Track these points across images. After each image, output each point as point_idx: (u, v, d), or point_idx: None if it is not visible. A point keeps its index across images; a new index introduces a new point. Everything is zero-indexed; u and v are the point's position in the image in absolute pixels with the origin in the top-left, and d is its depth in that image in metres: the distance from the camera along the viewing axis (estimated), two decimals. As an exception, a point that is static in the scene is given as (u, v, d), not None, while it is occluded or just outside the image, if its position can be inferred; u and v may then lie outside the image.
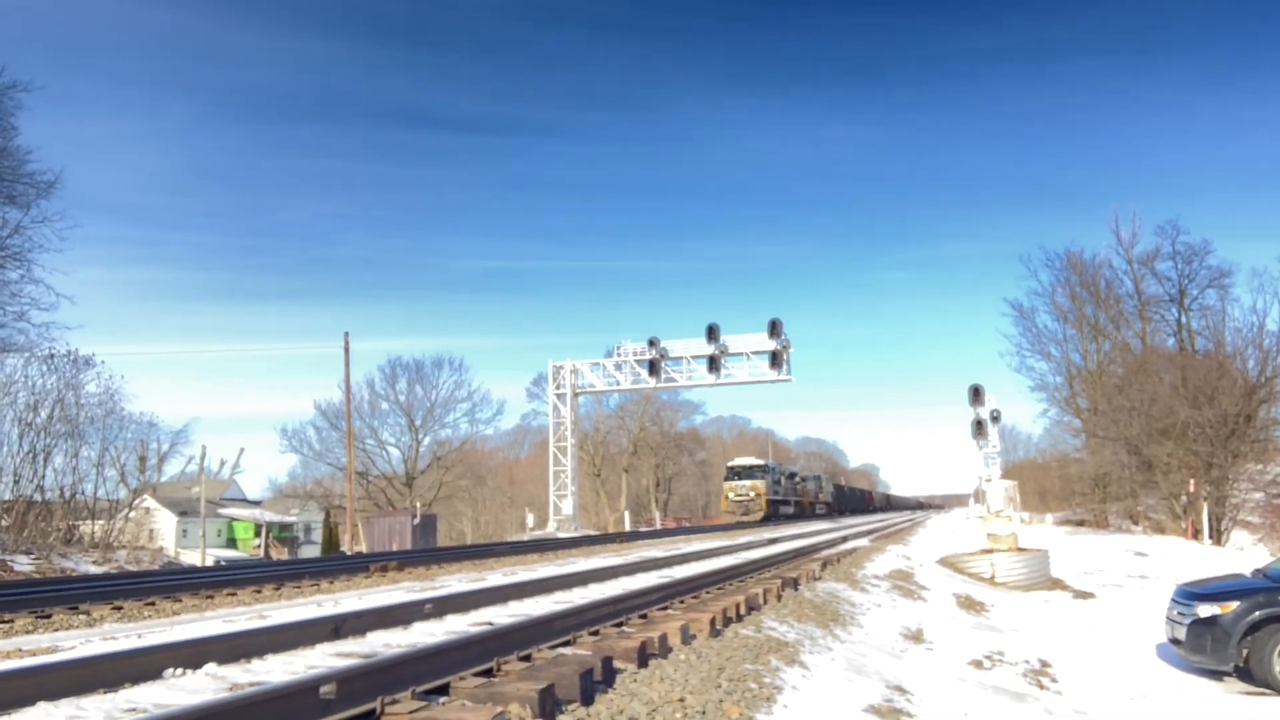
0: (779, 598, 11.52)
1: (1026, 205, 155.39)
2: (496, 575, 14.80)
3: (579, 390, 46.29)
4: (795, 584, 12.85)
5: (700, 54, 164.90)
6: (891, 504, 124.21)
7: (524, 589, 10.85)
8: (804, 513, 64.26)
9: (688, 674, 6.66)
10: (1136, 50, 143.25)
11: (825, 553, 20.80)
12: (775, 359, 42.54)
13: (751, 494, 55.04)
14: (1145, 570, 26.51)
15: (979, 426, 34.62)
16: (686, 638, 7.75)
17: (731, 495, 55.80)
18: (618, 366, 45.11)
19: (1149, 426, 43.10)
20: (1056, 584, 22.87)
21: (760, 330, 43.03)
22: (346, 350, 40.29)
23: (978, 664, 11.39)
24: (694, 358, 43.78)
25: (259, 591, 12.64)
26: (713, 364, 43.16)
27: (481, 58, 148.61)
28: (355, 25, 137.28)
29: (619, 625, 7.82)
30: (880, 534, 34.66)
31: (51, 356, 29.06)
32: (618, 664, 6.31)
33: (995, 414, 35.93)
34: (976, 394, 34.24)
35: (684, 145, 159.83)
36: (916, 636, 12.30)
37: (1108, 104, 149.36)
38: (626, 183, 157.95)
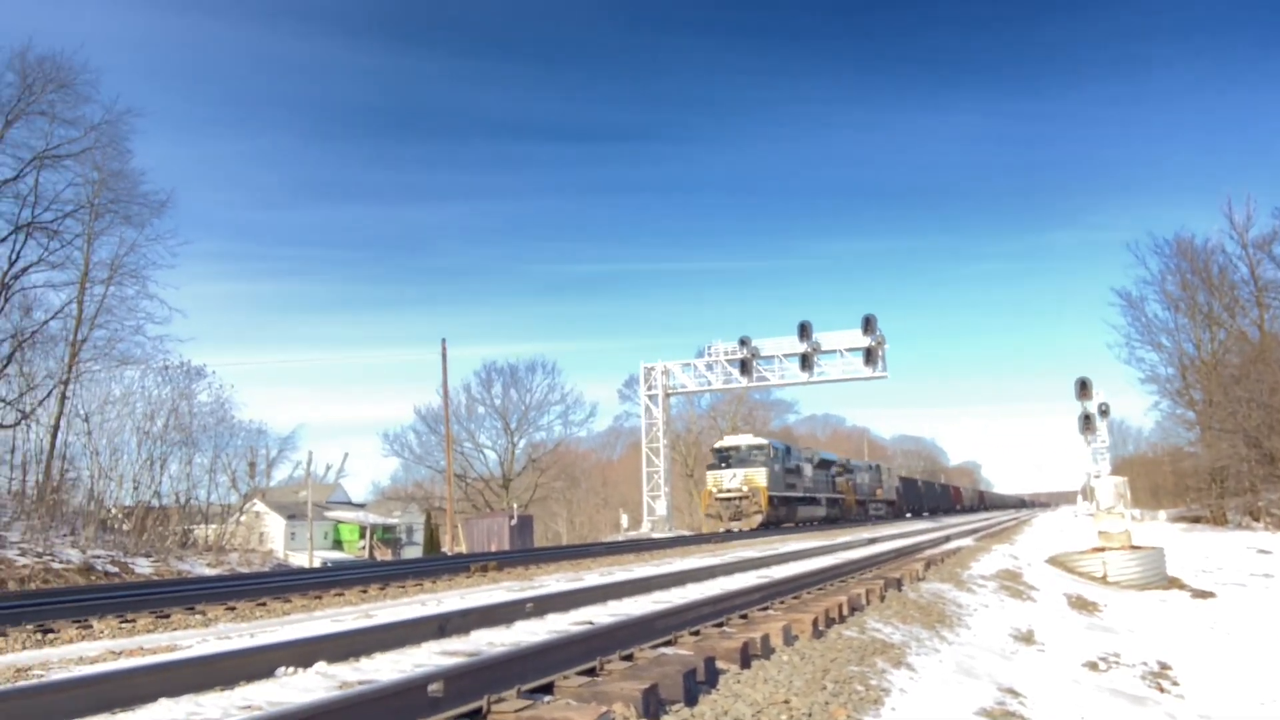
0: (882, 598, 11.27)
1: (1132, 191, 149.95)
2: (593, 575, 14.85)
3: (670, 391, 46.32)
4: (898, 584, 12.55)
5: (787, 50, 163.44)
6: (985, 502, 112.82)
7: (622, 589, 10.85)
8: (845, 514, 49.68)
9: (791, 675, 6.54)
10: (1241, 26, 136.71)
11: (928, 552, 20.32)
12: (869, 355, 41.88)
13: (744, 489, 38.14)
14: (1270, 569, 25.18)
15: (1087, 421, 33.44)
16: (789, 638, 7.62)
17: (714, 491, 38.89)
18: (709, 366, 45.01)
19: (1270, 418, 41.02)
20: (1173, 583, 21.89)
21: (854, 326, 42.45)
22: (444, 357, 41.11)
23: (1092, 666, 10.95)
24: (786, 356, 43.41)
25: (365, 591, 12.91)
26: (805, 362, 42.72)
27: (567, 66, 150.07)
28: (449, 40, 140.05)
29: (719, 625, 7.73)
30: (984, 533, 33.81)
31: (166, 368, 30.41)
32: (720, 664, 6.23)
33: (1104, 408, 34.66)
34: (1084, 387, 33.09)
35: (773, 143, 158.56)
36: (1027, 638, 11.90)
37: (1215, 85, 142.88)
38: (715, 182, 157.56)
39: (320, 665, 5.73)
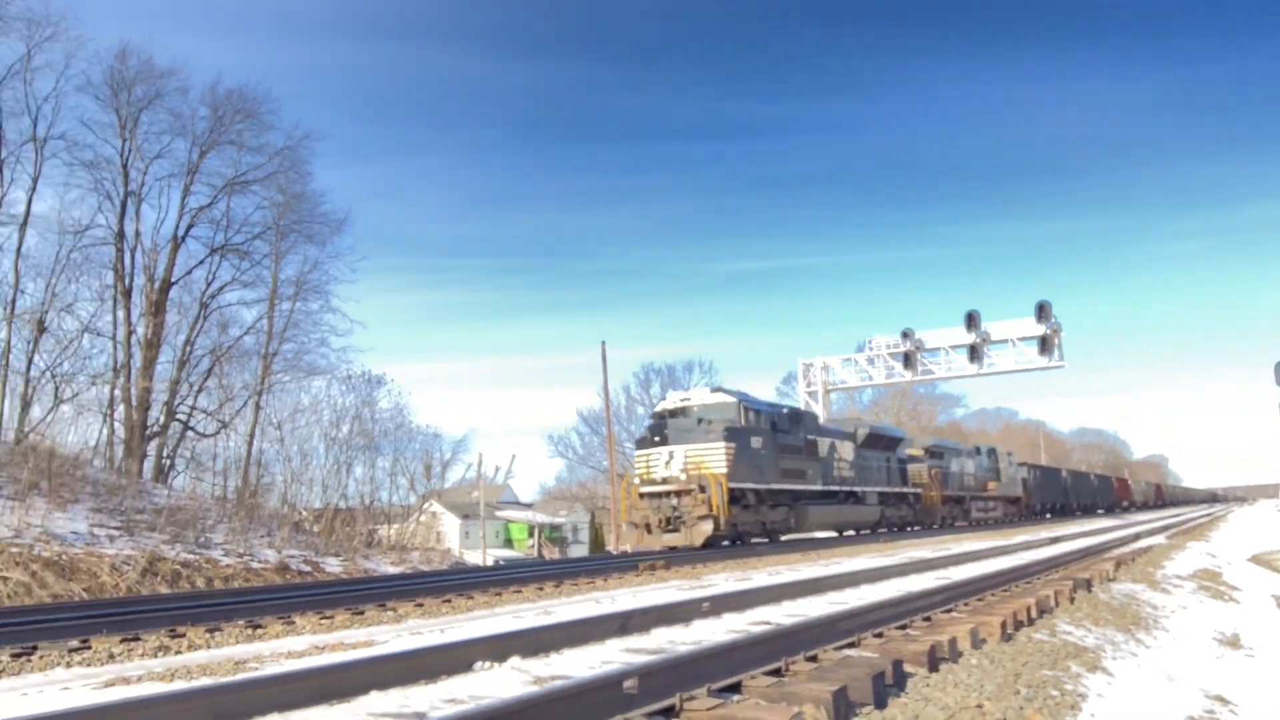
0: (1071, 600, 10.76)
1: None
2: (762, 575, 14.77)
3: (830, 387, 45.57)
4: (1088, 585, 11.96)
5: (941, 28, 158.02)
6: (1165, 497, 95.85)
7: (795, 589, 10.76)
8: (923, 516, 34.92)
9: (981, 679, 6.34)
10: None
11: (1116, 552, 19.27)
12: (1044, 344, 40.00)
13: (681, 477, 22.12)
14: None
15: (1289, 409, 30.73)
16: (976, 641, 7.39)
17: (641, 489, 22.92)
18: (870, 361, 44.03)
19: None
20: (1401, 585, 19.92)
21: (1026, 314, 40.63)
22: (604, 359, 41.87)
23: (1312, 675, 10.12)
24: (952, 347, 41.96)
25: (541, 589, 13.26)
26: (973, 353, 41.16)
27: (717, 63, 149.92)
28: (599, 49, 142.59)
29: (902, 628, 7.57)
30: (1177, 530, 31.76)
31: (349, 377, 32.30)
32: (908, 667, 6.10)
33: (1310, 394, 31.72)
34: (1285, 373, 30.35)
35: (934, 126, 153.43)
36: (1232, 642, 11.12)
37: None
38: (873, 171, 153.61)
39: (514, 660, 5.94)
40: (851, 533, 30.94)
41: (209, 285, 33.39)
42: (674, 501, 22.25)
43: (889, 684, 5.64)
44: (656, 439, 23.37)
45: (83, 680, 6.45)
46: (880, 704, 5.28)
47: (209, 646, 8.34)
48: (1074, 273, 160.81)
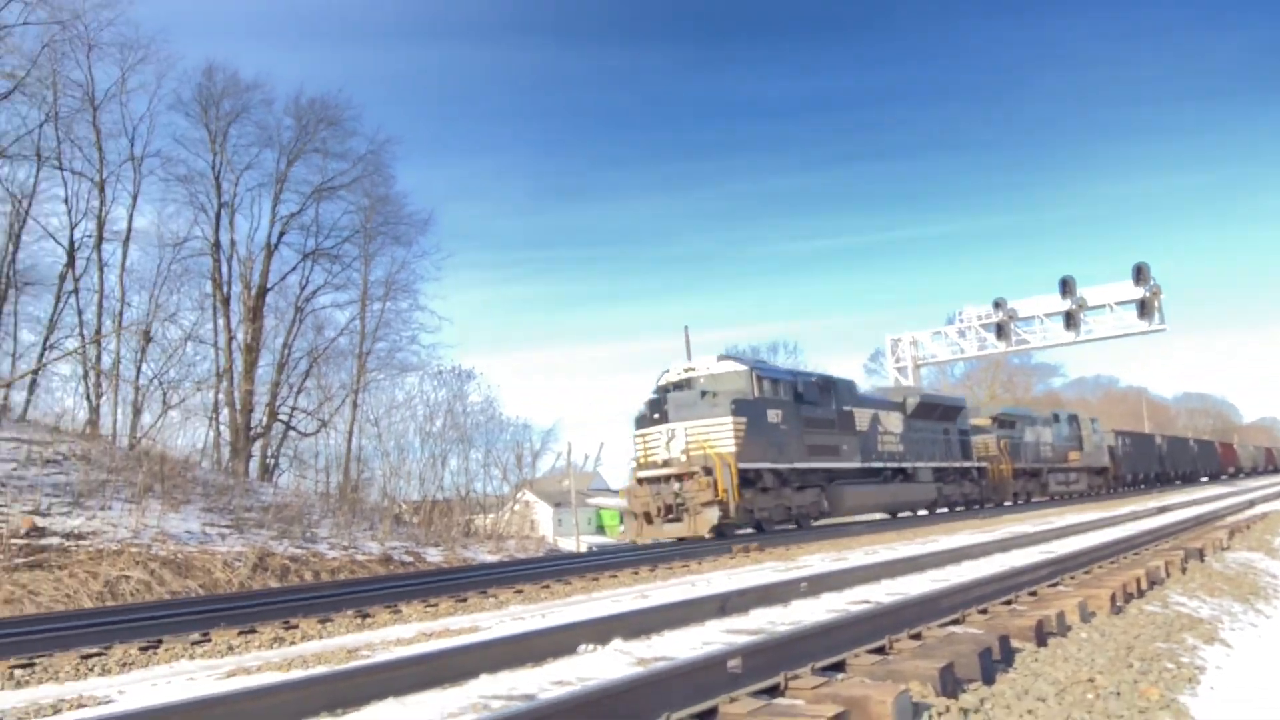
0: (1183, 570, 10.41)
1: None
2: (858, 554, 14.65)
3: (920, 362, 44.77)
4: (1200, 555, 11.55)
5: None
6: (1278, 462, 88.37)
7: (893, 567, 10.65)
8: (990, 493, 31.58)
9: (1092, 653, 6.19)
10: None
11: (1229, 520, 18.54)
12: (1143, 308, 38.64)
13: (682, 458, 20.05)
14: None
15: None
16: (1085, 615, 7.21)
17: (639, 474, 20.98)
18: (961, 333, 43.13)
19: None
20: None
21: (1123, 278, 39.28)
22: (687, 344, 41.81)
23: None
24: (1047, 315, 40.80)
25: (636, 573, 13.38)
26: (1069, 320, 39.95)
27: (789, 41, 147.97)
28: (668, 33, 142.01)
29: (1008, 603, 7.42)
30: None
31: (440, 372, 33.07)
32: (1015, 643, 6.00)
33: None
34: None
35: (1022, 87, 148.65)
36: (1362, 611, 10.62)
37: None
38: (958, 138, 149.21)
39: (616, 642, 6.02)
40: (924, 512, 28.37)
41: (303, 289, 34.46)
42: (675, 487, 19.82)
43: (996, 659, 5.56)
44: (656, 416, 20.99)
45: (206, 671, 6.75)
46: (988, 679, 5.21)
47: (321, 637, 8.65)
48: (1174, 232, 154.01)
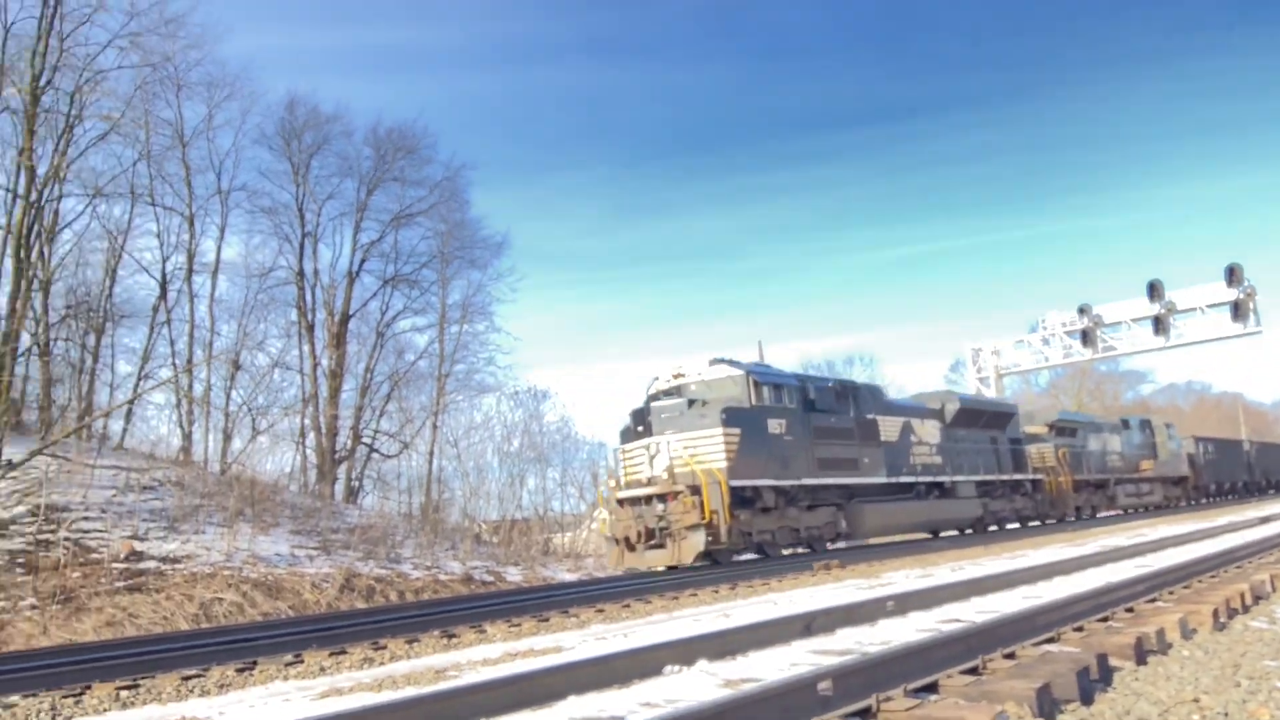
0: (1291, 584, 9.97)
1: None
2: (943, 570, 14.36)
3: (1003, 371, 43.79)
4: (1308, 568, 11.06)
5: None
6: None
7: (982, 584, 10.40)
8: (1047, 508, 28.95)
9: (1196, 672, 5.96)
10: None
11: (1337, 530, 17.72)
12: (1237, 310, 37.22)
13: (664, 476, 17.70)
14: None
15: None
16: (1186, 632, 6.96)
17: (619, 494, 18.70)
18: (1045, 341, 42.07)
19: None
20: None
21: (1215, 279, 37.93)
22: (760, 358, 41.62)
23: None
24: (1134, 320, 39.58)
25: (716, 591, 13.31)
26: (1158, 325, 38.70)
27: (856, 53, 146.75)
28: (734, 50, 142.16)
29: (1104, 620, 7.20)
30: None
31: (517, 393, 33.49)
32: (1113, 662, 5.82)
33: None
34: None
35: (1103, 85, 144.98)
36: None
37: None
38: (1038, 141, 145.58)
39: (702, 663, 6.00)
40: (960, 532, 25.65)
41: (383, 315, 35.27)
42: (659, 508, 17.61)
43: (1094, 679, 5.40)
44: (639, 429, 18.72)
45: (300, 692, 6.90)
46: (1087, 700, 5.06)
47: (409, 657, 8.78)
48: (1269, 230, 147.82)
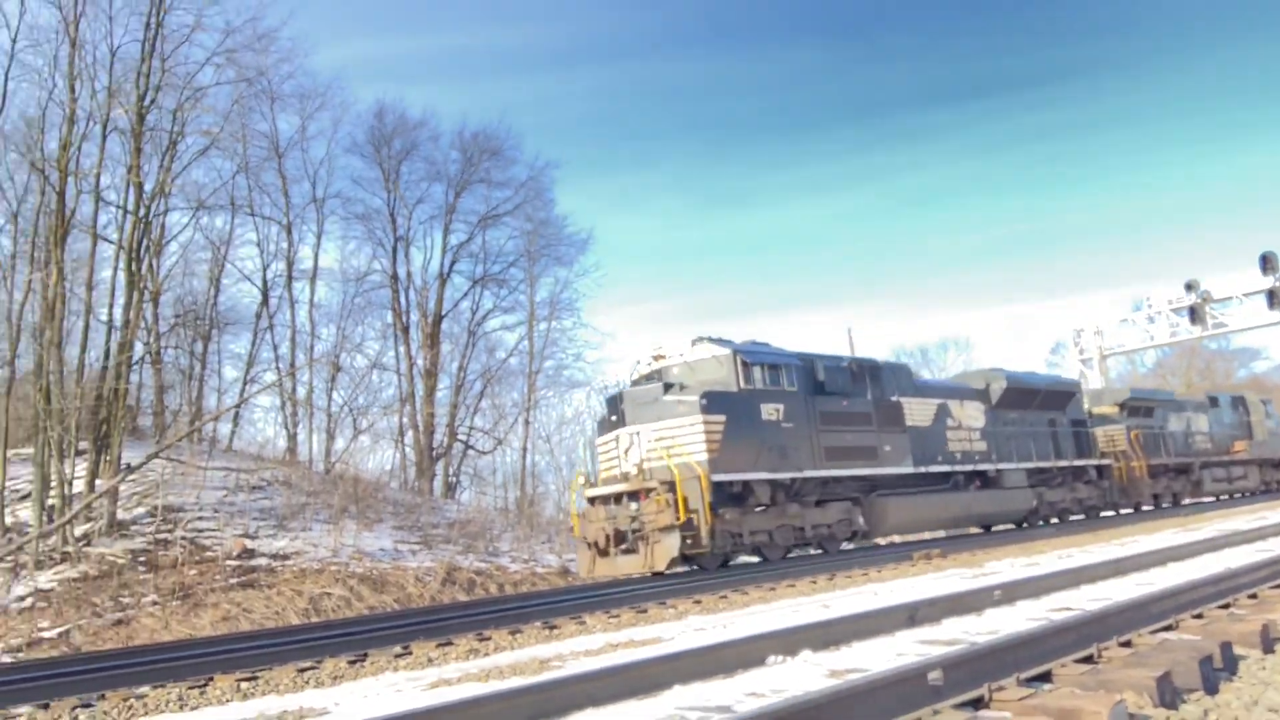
0: None
1: None
2: (1049, 558, 13.98)
3: (1106, 352, 42.34)
4: None
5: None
6: None
7: (1092, 571, 10.10)
8: (1113, 496, 25.93)
9: (1330, 660, 5.69)
10: None
11: None
12: (1359, 281, 35.32)
13: (634, 487, 15.80)
14: None
15: None
16: (1317, 619, 6.64)
17: (588, 492, 17.09)
18: (1150, 319, 40.54)
19: None
20: None
21: (1332, 249, 36.04)
22: (851, 347, 41.10)
23: None
24: (1246, 295, 37.81)
25: (814, 582, 13.21)
26: (1272, 298, 36.88)
27: (943, 25, 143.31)
28: (822, 31, 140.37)
29: (1225, 607, 6.92)
30: None
31: (605, 387, 33.74)
32: (1237, 649, 5.59)
33: None
34: None
35: (1193, 56, 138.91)
36: None
37: None
38: (1134, 111, 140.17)
39: (805, 653, 5.97)
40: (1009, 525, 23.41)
41: (474, 314, 35.99)
42: (632, 508, 15.70)
43: (1218, 668, 5.20)
44: (614, 418, 16.95)
45: (410, 682, 7.09)
46: (1210, 689, 4.87)
47: (513, 648, 8.93)
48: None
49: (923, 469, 19.59)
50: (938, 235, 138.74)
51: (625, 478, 16.18)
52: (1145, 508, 27.37)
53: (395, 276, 33.85)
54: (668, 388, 16.55)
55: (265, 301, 30.94)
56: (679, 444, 15.68)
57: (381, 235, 34.23)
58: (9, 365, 23.39)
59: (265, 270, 31.30)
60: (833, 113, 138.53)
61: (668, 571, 15.46)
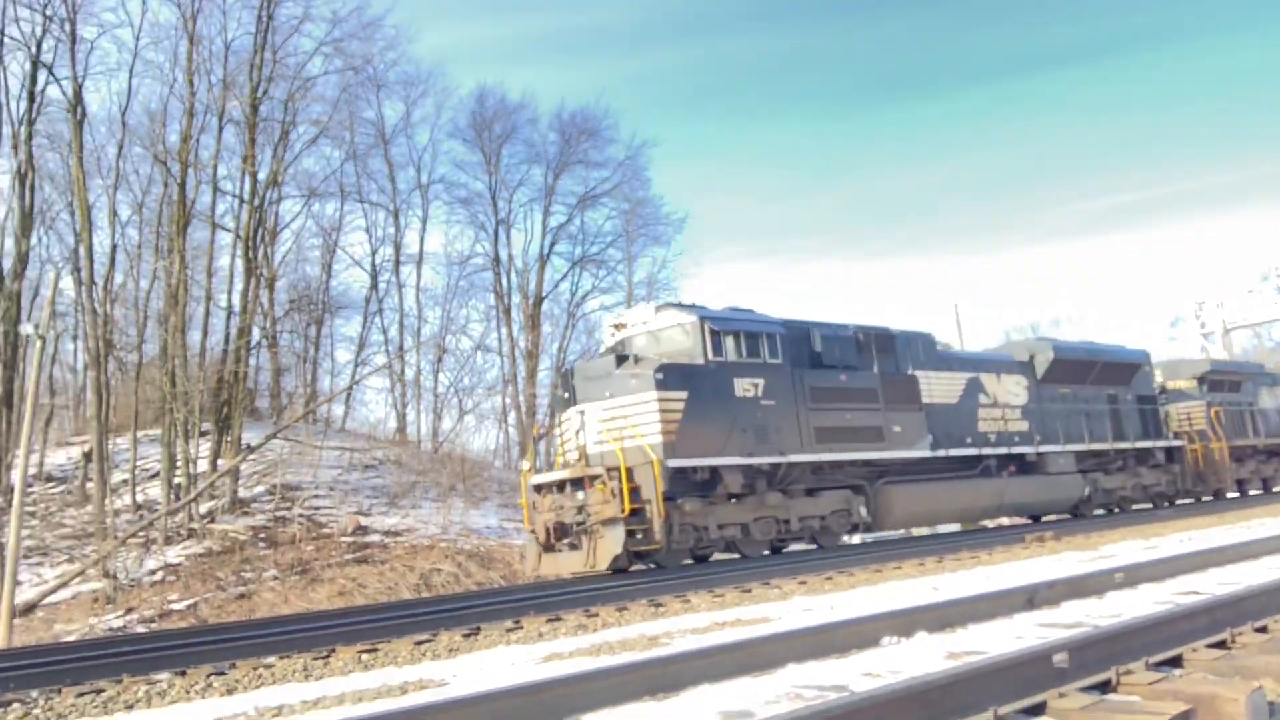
0: None
1: None
2: (1170, 541, 13.47)
3: (1230, 326, 40.39)
4: None
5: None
6: None
7: (1221, 554, 9.70)
8: (1178, 486, 23.10)
9: None
10: None
11: None
12: None
13: (578, 474, 13.96)
14: None
15: None
16: None
17: (533, 479, 15.11)
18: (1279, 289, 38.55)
19: None
20: None
21: None
22: (958, 325, 40.19)
23: None
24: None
25: (921, 564, 13.01)
26: None
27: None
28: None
29: (1370, 593, 6.57)
30: None
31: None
32: (1387, 637, 5.30)
33: None
34: None
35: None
36: None
37: None
38: (1260, 73, 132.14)
39: (921, 635, 5.90)
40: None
41: (573, 295, 36.44)
42: (577, 497, 13.99)
43: (1365, 657, 4.93)
44: (566, 396, 15.26)
45: (524, 656, 7.25)
46: (1356, 679, 4.64)
47: (619, 624, 9.05)
48: None
49: (942, 452, 17.56)
50: (1050, 206, 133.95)
51: (568, 466, 14.44)
52: (1229, 495, 24.54)
53: (497, 259, 34.50)
54: (621, 361, 14.67)
55: (374, 286, 31.94)
56: (632, 425, 13.86)
57: (483, 218, 34.95)
58: (137, 350, 24.66)
59: (374, 255, 32.24)
60: (936, 80, 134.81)
61: (609, 571, 13.66)
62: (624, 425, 13.86)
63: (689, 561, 14.97)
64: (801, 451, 15.28)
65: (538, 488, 14.77)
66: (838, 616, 6.59)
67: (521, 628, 9.04)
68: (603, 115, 37.72)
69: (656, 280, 36.79)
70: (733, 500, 14.82)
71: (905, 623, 5.93)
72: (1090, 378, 21.36)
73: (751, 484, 14.87)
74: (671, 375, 14.13)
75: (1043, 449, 19.53)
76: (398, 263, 32.33)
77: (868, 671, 4.89)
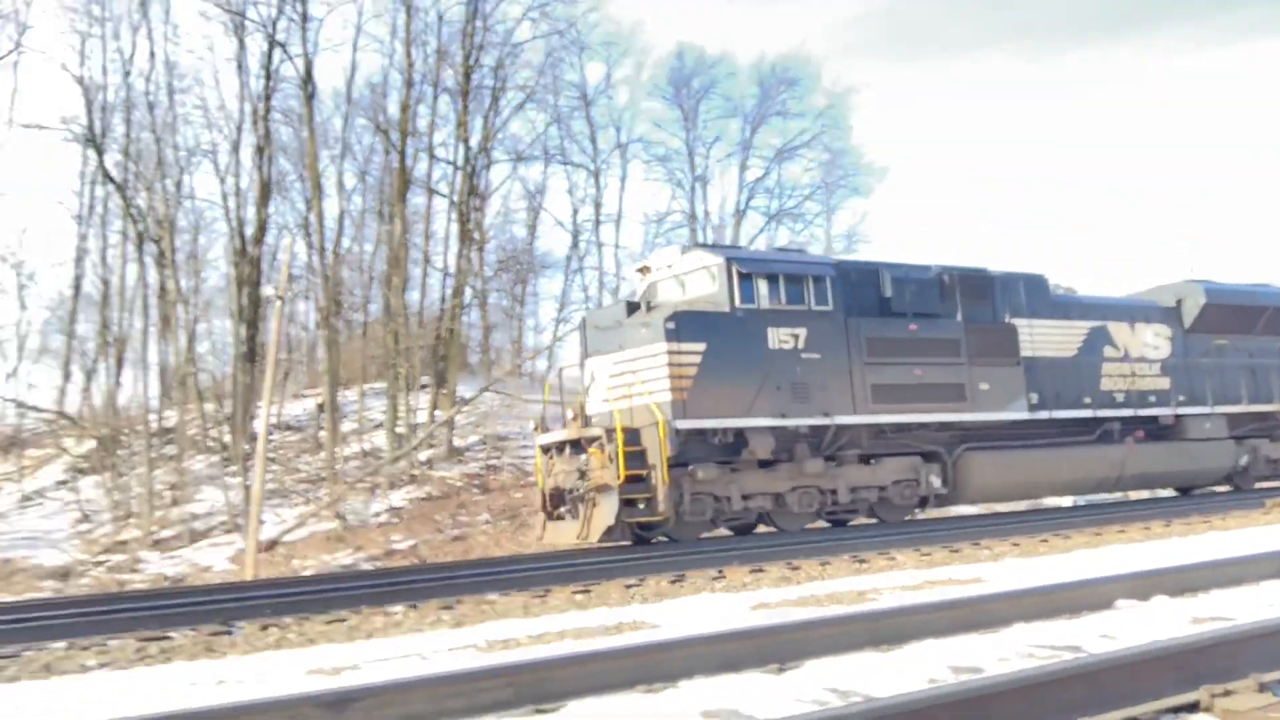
0: None
1: None
2: None
3: None
4: None
5: None
6: None
7: None
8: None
9: None
10: None
11: None
12: None
13: (578, 436, 12.70)
14: None
15: None
16: None
17: (539, 439, 13.87)
18: None
19: None
20: None
21: None
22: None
23: None
24: None
25: (1147, 528, 12.27)
26: None
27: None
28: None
29: None
30: None
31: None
32: None
33: None
34: None
35: None
36: None
37: None
38: None
39: (1159, 599, 5.58)
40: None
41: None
42: (581, 460, 12.59)
43: None
44: (588, 349, 13.77)
45: (730, 603, 7.37)
46: None
47: (822, 578, 9.04)
48: None
49: (1045, 414, 15.11)
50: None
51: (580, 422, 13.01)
52: None
53: (693, 215, 34.60)
54: (632, 309, 13.11)
55: (575, 245, 32.73)
56: (640, 380, 12.28)
57: (681, 175, 35.03)
58: (363, 309, 26.45)
59: (575, 215, 33.05)
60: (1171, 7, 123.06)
61: (599, 543, 12.49)
62: (632, 381, 12.40)
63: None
64: (854, 412, 13.36)
65: (545, 449, 13.55)
66: (1065, 578, 6.30)
67: (725, 577, 9.18)
68: (804, 64, 37.03)
69: (855, 233, 35.90)
70: (760, 468, 13.10)
71: (1142, 586, 5.63)
72: (1256, 327, 18.26)
73: (789, 449, 13.08)
74: (687, 324, 12.39)
75: (1182, 411, 16.83)
76: (598, 221, 33.01)
77: (1104, 633, 4.67)
